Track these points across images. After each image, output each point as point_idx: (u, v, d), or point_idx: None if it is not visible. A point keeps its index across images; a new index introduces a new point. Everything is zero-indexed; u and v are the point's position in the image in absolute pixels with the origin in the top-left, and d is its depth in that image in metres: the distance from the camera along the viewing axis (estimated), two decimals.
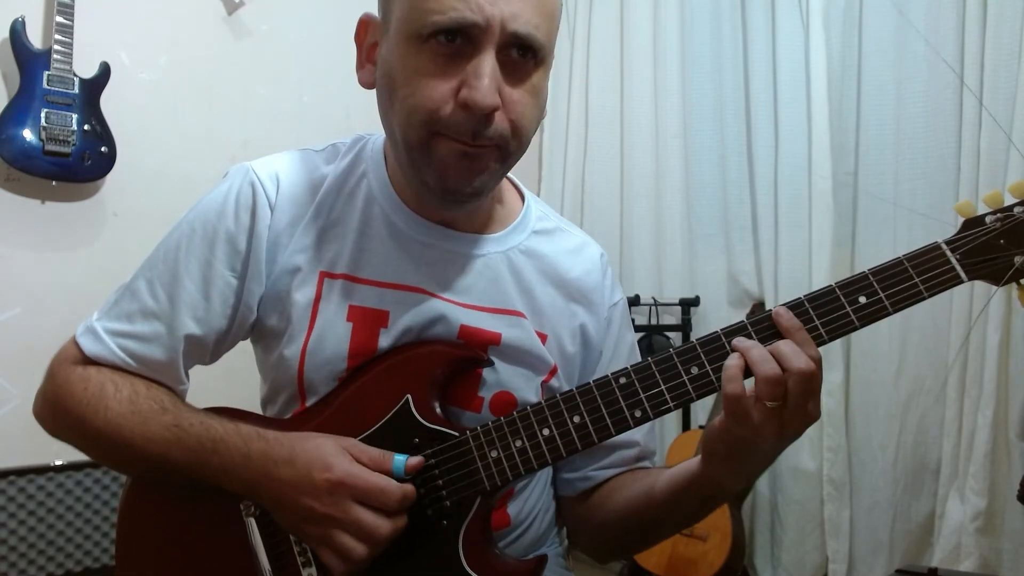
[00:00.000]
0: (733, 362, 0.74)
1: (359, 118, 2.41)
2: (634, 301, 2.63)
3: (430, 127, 0.78)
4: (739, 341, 0.76)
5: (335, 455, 0.79)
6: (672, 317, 2.65)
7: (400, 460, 0.80)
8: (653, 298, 2.65)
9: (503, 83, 0.77)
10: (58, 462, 1.97)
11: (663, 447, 2.54)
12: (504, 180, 0.98)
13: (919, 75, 2.18)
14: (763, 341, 0.76)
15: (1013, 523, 1.97)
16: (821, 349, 0.76)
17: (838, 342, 2.28)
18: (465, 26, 0.75)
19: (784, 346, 0.73)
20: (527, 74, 0.80)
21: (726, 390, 0.74)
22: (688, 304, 2.58)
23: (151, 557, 0.89)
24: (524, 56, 0.78)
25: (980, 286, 1.99)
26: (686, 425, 2.54)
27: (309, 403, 0.89)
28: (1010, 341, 1.98)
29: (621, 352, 1.00)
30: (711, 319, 2.59)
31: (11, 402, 1.92)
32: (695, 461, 0.86)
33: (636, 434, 0.95)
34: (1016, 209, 0.76)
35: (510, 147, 0.81)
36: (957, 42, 2.09)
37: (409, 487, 0.79)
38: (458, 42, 0.76)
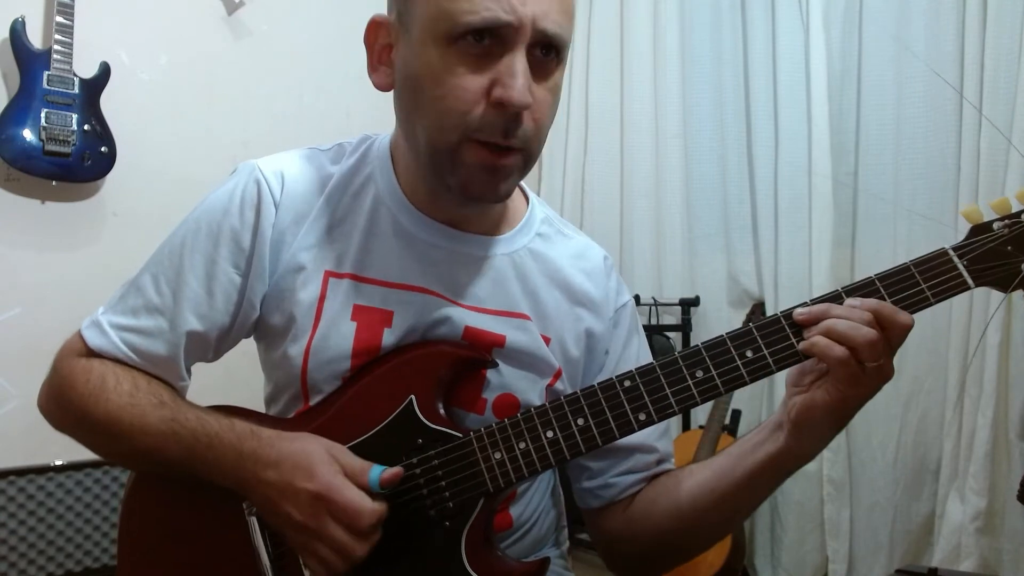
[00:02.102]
0: (819, 337, 0.75)
1: (359, 118, 2.41)
2: (634, 301, 2.62)
3: (463, 130, 0.78)
4: (820, 318, 0.76)
5: (321, 463, 0.79)
6: (672, 317, 2.65)
7: (375, 475, 0.79)
8: (653, 298, 2.65)
9: (532, 82, 0.78)
10: (58, 462, 1.97)
11: None
12: None
13: (919, 75, 2.18)
14: (770, 345, 0.77)
15: (1013, 523, 1.97)
16: None
17: None
18: (498, 26, 0.75)
19: (884, 307, 0.75)
20: (550, 72, 0.81)
21: (833, 354, 0.74)
22: (688, 304, 2.58)
23: (153, 555, 0.89)
24: (547, 55, 0.79)
25: (981, 288, 1.99)
26: (686, 425, 2.54)
27: (313, 402, 0.89)
28: (1010, 342, 1.98)
29: (629, 353, 0.99)
30: (711, 319, 2.59)
31: (11, 402, 1.92)
32: (764, 442, 0.84)
33: (651, 438, 0.94)
34: None
35: (532, 149, 0.82)
36: (957, 43, 2.08)
37: (382, 508, 0.79)
38: (487, 42, 0.76)
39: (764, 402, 2.47)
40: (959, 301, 2.05)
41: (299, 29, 2.47)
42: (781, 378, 2.47)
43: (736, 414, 2.36)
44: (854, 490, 2.29)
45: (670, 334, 2.61)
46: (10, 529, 1.91)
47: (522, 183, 1.01)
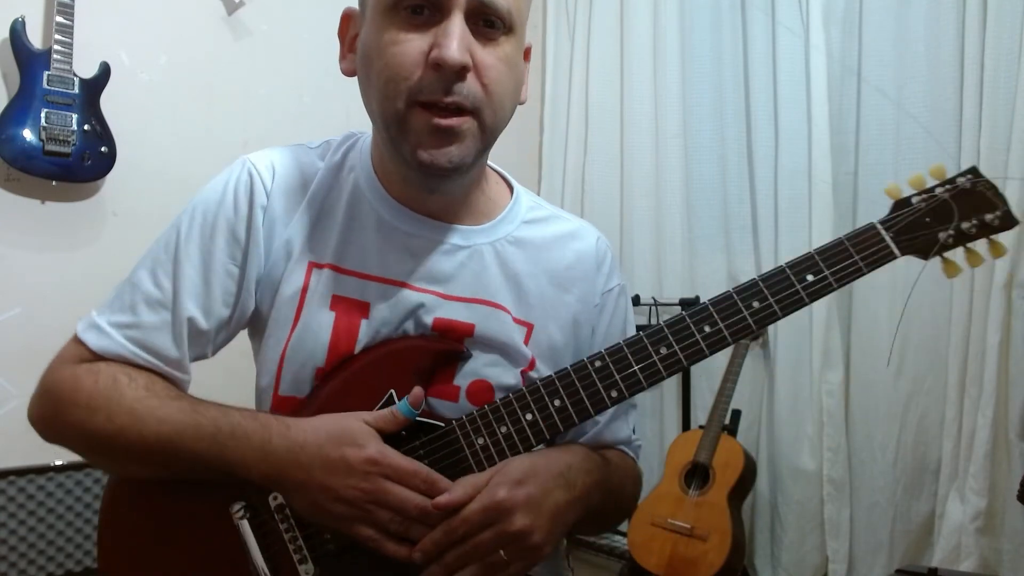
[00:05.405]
0: None
1: (359, 118, 2.40)
2: (634, 301, 2.63)
3: (407, 95, 0.80)
4: None
5: (365, 435, 0.81)
6: None
7: (403, 405, 0.83)
8: (653, 298, 2.65)
9: (474, 45, 0.81)
10: (58, 462, 1.97)
11: (663, 447, 2.54)
12: (491, 172, 1.00)
13: (919, 75, 2.18)
14: (726, 319, 0.83)
15: (1013, 523, 1.97)
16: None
17: (838, 342, 2.29)
18: None
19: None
20: (496, 40, 0.83)
21: None
22: (688, 304, 2.58)
23: (135, 564, 0.88)
24: (492, 26, 0.82)
25: (978, 285, 2.00)
26: (686, 425, 2.54)
27: (282, 391, 0.90)
28: (1010, 342, 1.98)
29: (612, 337, 1.00)
30: None
31: (11, 402, 1.92)
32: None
33: (603, 420, 1.00)
34: (937, 190, 0.86)
35: (484, 114, 0.83)
36: (957, 42, 2.08)
37: (436, 474, 0.82)
38: (425, 14, 0.80)
39: (764, 402, 2.47)
40: (959, 301, 2.05)
41: (299, 29, 2.47)
42: (780, 378, 2.47)
43: (736, 414, 2.36)
44: (854, 490, 2.29)
45: None
46: (10, 529, 1.91)
47: (508, 176, 1.02)
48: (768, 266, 2.44)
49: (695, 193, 2.65)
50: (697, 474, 2.25)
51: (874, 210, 2.29)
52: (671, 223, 2.67)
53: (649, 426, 2.70)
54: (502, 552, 0.79)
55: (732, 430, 2.33)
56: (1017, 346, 1.97)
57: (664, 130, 2.69)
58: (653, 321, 2.65)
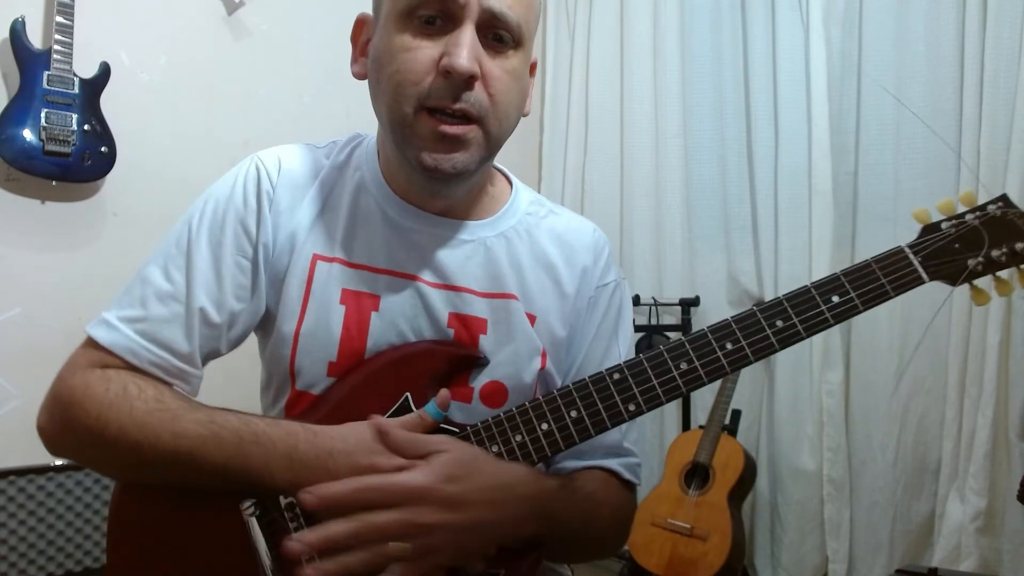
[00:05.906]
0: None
1: (359, 118, 2.41)
2: (634, 301, 2.63)
3: (416, 100, 0.81)
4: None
5: (375, 454, 0.80)
6: (672, 317, 2.65)
7: (431, 407, 0.83)
8: (653, 298, 2.65)
9: (483, 55, 0.82)
10: (58, 462, 1.97)
11: (663, 447, 2.54)
12: (493, 171, 1.01)
13: (919, 75, 2.18)
14: (747, 337, 0.83)
15: (1013, 523, 1.97)
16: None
17: (838, 341, 2.29)
18: (445, 4, 0.80)
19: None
20: (505, 54, 0.84)
21: None
22: (688, 304, 2.59)
23: (143, 565, 0.87)
24: (501, 40, 0.84)
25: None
26: (686, 425, 2.54)
27: (299, 386, 0.90)
28: (1010, 341, 1.98)
29: (603, 332, 1.00)
30: (711, 319, 2.54)
31: (11, 402, 1.92)
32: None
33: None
34: (968, 216, 0.85)
35: (489, 123, 0.84)
36: (957, 42, 2.09)
37: None
38: (438, 23, 0.81)
39: (764, 402, 2.47)
40: (959, 302, 2.05)
41: (299, 29, 2.47)
42: (780, 378, 2.47)
43: (736, 414, 2.36)
44: (854, 490, 2.29)
45: (670, 334, 2.61)
46: (10, 529, 1.90)
47: (507, 172, 1.03)
48: (768, 265, 2.46)
49: (695, 193, 2.65)
50: (697, 474, 2.25)
51: (874, 210, 2.31)
52: (671, 223, 2.67)
53: (649, 426, 2.70)
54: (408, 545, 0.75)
55: (732, 430, 2.33)
56: (1017, 346, 1.97)
57: (664, 130, 2.69)
58: (653, 321, 2.65)
